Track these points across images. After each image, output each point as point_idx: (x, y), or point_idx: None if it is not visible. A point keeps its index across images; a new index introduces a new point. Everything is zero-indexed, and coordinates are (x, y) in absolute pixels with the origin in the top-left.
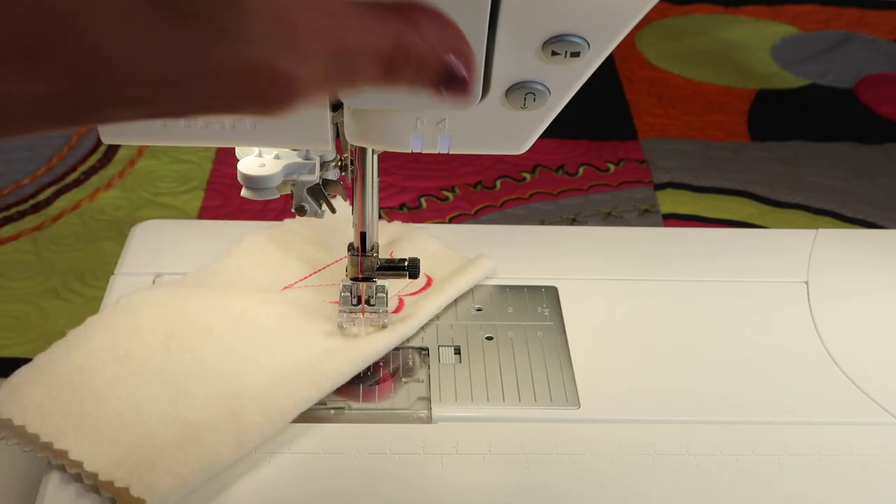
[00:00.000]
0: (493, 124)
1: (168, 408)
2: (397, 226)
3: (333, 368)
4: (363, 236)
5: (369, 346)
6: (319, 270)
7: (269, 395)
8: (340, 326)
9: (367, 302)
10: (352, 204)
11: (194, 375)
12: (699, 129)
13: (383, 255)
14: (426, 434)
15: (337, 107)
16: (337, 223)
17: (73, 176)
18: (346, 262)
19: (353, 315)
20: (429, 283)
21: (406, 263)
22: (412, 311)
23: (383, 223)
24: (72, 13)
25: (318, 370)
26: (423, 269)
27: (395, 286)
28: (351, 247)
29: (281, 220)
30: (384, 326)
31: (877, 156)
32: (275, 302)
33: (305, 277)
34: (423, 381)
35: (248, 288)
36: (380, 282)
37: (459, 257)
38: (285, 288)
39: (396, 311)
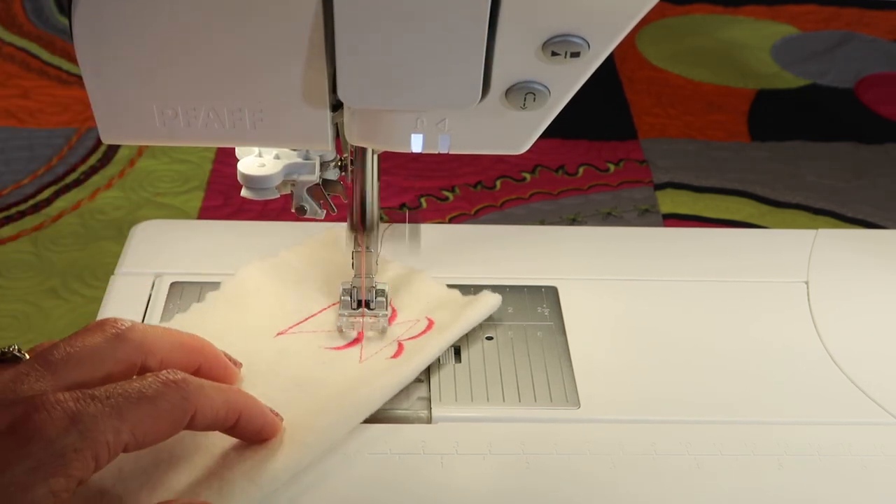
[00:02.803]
0: (493, 124)
1: (152, 471)
2: (396, 267)
3: (326, 426)
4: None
5: (366, 397)
6: (315, 315)
7: (257, 460)
8: (340, 330)
9: (367, 305)
10: (351, 204)
11: (179, 440)
12: (699, 129)
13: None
14: (426, 434)
15: (337, 107)
16: (334, 256)
17: (73, 176)
18: (339, 306)
19: (353, 318)
20: (429, 326)
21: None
22: (412, 354)
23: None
24: None
25: (309, 430)
26: (424, 312)
27: (394, 331)
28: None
29: (281, 220)
30: (383, 330)
31: (877, 156)
32: (268, 353)
33: (299, 322)
34: (423, 381)
35: (240, 335)
36: (380, 286)
37: (462, 297)
38: (279, 334)
39: (395, 356)
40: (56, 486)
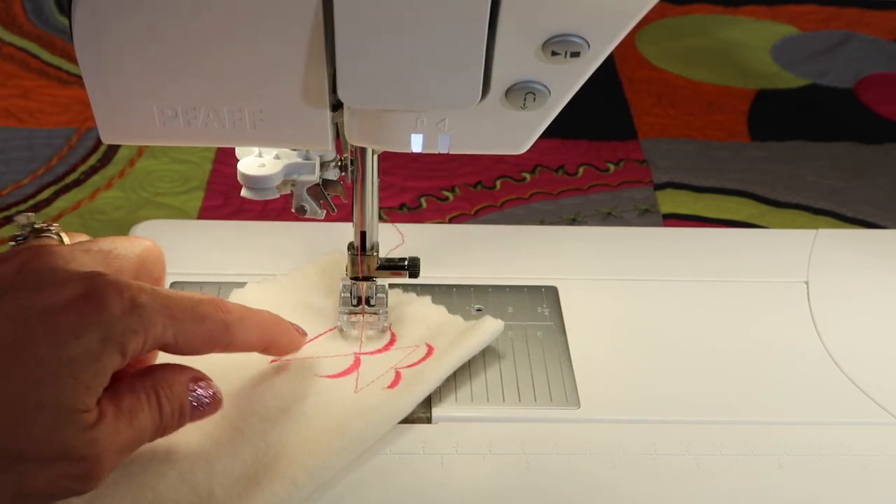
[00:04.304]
0: (493, 124)
1: None
2: (395, 294)
3: (316, 464)
4: (363, 236)
5: (359, 434)
6: (311, 340)
7: (243, 499)
8: (340, 329)
9: (367, 302)
10: (352, 204)
11: (163, 469)
12: (699, 129)
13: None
14: (426, 434)
15: (337, 107)
16: (331, 283)
17: (73, 176)
18: (336, 332)
19: (353, 316)
20: (429, 352)
21: (406, 262)
22: (410, 384)
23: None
24: None
25: (299, 465)
26: (424, 339)
27: (392, 358)
28: (351, 246)
29: (281, 220)
30: (383, 330)
31: (877, 156)
32: (261, 382)
33: None
34: None
35: (233, 361)
36: (380, 281)
37: (463, 323)
38: (273, 361)
39: (392, 385)
40: (114, 361)
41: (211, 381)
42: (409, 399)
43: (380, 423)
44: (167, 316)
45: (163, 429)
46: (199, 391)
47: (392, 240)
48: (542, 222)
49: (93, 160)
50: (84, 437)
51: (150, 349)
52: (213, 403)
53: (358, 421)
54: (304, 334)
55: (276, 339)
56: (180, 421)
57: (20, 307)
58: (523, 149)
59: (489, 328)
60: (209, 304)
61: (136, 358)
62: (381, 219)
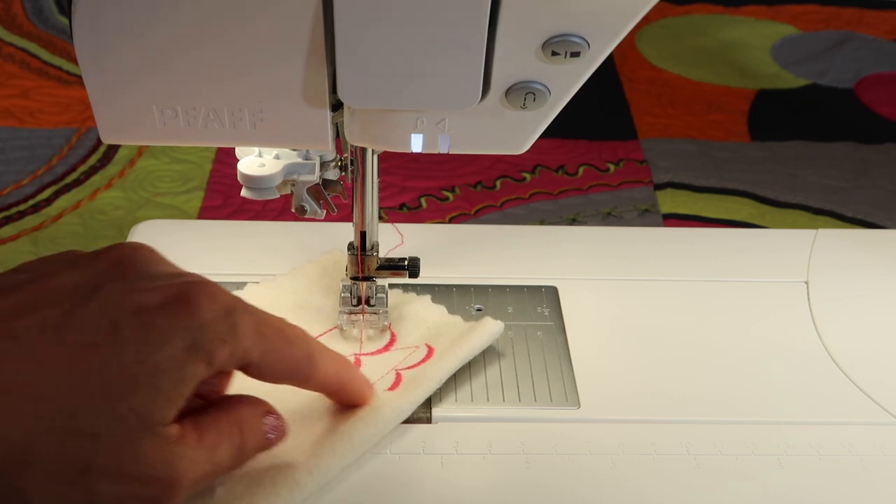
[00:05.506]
0: (493, 124)
1: None
2: (395, 294)
3: (318, 464)
4: (363, 236)
5: (360, 434)
6: None
7: (245, 499)
8: (340, 328)
9: (367, 302)
10: (352, 204)
11: None
12: (699, 129)
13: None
14: (426, 434)
15: (337, 107)
16: (332, 282)
17: (73, 176)
18: (337, 332)
19: (353, 316)
20: (429, 353)
21: (406, 262)
22: (410, 386)
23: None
24: None
25: (300, 465)
26: (424, 339)
27: (392, 359)
28: (351, 246)
29: (281, 220)
30: (383, 330)
31: (877, 156)
32: (262, 386)
33: None
34: None
35: None
36: (380, 281)
37: (463, 323)
38: None
39: (393, 387)
40: (199, 371)
41: (279, 413)
42: (410, 401)
43: (381, 424)
44: (257, 331)
45: (240, 463)
46: (272, 424)
47: (392, 240)
48: (542, 222)
49: (93, 160)
50: (161, 454)
51: (236, 364)
52: (281, 436)
53: (359, 422)
54: (373, 387)
55: (348, 382)
56: (255, 454)
57: (112, 305)
58: (523, 149)
59: (489, 330)
60: (297, 330)
61: (221, 370)
62: (381, 219)
